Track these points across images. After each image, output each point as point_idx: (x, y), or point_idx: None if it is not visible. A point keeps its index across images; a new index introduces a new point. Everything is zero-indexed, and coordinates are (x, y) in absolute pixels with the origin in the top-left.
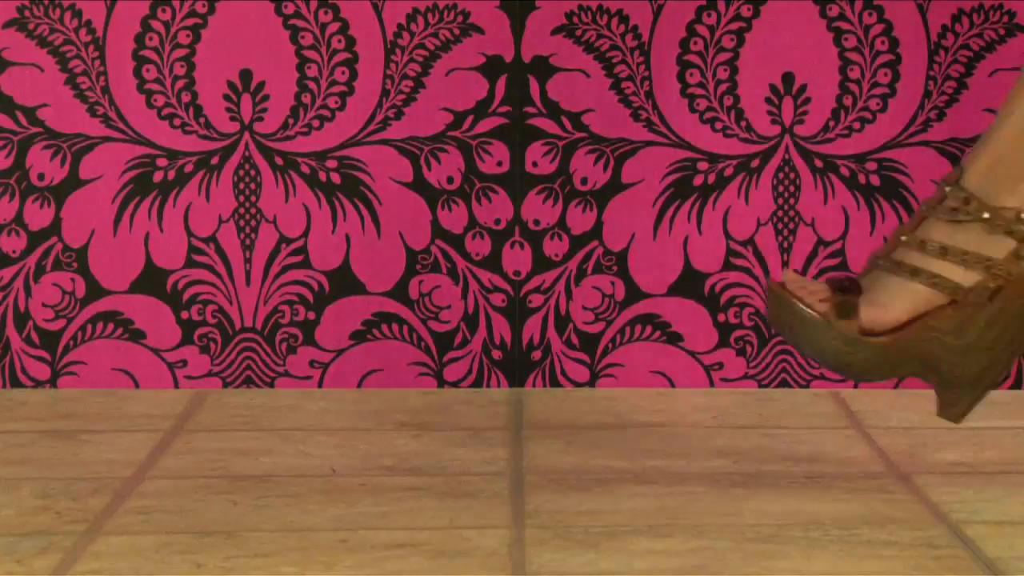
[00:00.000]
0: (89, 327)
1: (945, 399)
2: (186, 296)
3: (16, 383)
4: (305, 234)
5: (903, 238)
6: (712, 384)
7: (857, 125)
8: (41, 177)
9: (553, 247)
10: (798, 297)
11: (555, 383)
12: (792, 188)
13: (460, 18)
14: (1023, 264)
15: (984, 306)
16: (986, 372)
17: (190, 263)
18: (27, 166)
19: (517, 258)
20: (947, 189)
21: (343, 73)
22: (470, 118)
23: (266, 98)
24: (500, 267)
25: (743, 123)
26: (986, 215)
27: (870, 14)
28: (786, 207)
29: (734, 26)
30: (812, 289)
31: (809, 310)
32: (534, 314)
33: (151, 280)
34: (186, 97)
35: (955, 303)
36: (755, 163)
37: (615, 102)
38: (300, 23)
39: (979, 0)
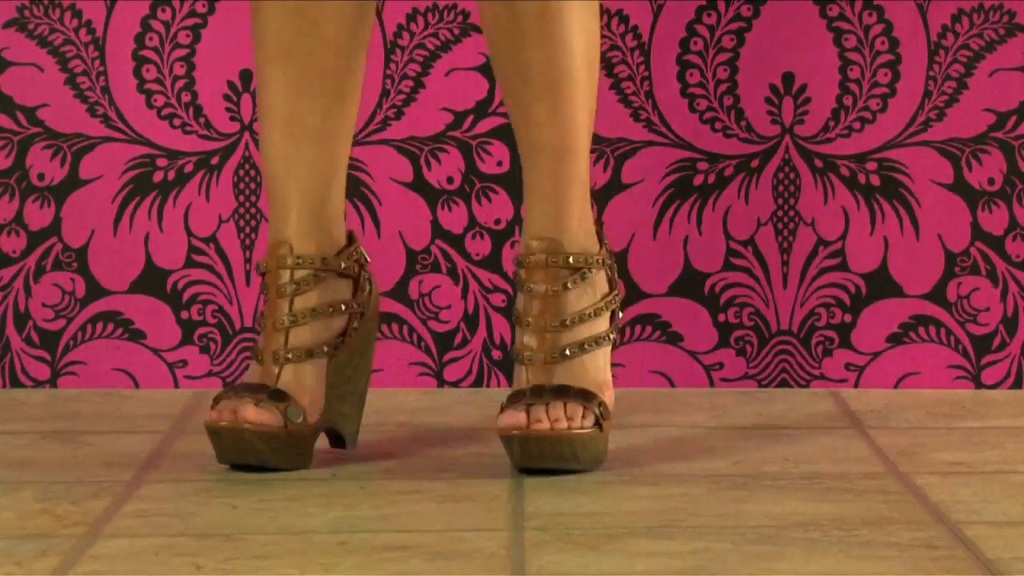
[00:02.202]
0: (89, 327)
1: None
2: (186, 296)
3: (16, 383)
4: None
5: (555, 324)
6: (712, 384)
7: (857, 125)
8: (41, 177)
9: None
10: (563, 431)
11: None
12: (792, 188)
13: (460, 18)
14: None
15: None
16: None
17: (190, 263)
18: (27, 166)
19: None
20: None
21: None
22: (470, 118)
23: None
24: (500, 267)
25: (743, 123)
26: (602, 260)
27: (870, 14)
28: (786, 207)
29: (734, 26)
30: (568, 415)
31: (583, 430)
32: None
33: (151, 280)
34: (186, 97)
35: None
36: (755, 163)
37: (615, 102)
38: None
39: (979, 0)
